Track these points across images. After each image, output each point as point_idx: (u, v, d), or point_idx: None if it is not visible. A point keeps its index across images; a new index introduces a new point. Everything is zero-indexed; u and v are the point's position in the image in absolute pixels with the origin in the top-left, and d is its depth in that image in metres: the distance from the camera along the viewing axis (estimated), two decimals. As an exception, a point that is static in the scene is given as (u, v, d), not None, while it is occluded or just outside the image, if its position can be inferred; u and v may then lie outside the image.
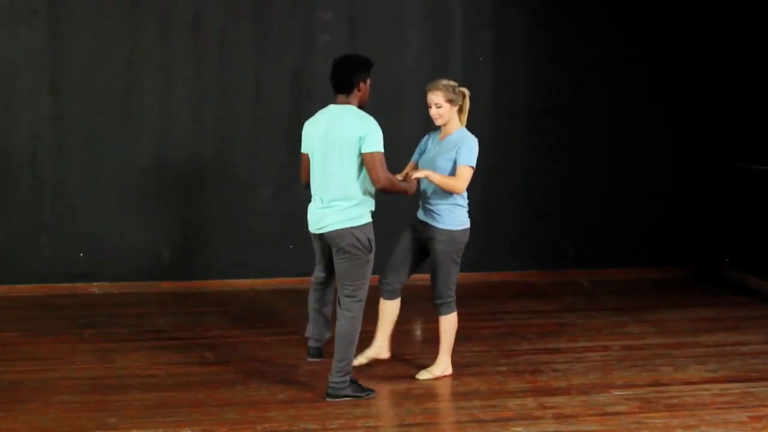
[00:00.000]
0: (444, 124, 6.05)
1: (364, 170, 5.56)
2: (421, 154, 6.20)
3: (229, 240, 8.81)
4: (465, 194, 6.06)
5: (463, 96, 6.06)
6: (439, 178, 5.90)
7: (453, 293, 6.08)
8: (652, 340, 7.12)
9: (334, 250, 5.67)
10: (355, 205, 5.58)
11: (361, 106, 5.68)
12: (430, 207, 6.03)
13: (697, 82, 9.48)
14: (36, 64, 8.40)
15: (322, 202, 5.64)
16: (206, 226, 8.79)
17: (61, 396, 5.71)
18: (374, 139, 5.51)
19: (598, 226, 9.44)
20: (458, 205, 6.03)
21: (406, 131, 8.98)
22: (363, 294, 5.68)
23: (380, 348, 6.31)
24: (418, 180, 5.92)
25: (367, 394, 5.74)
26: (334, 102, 5.69)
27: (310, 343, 6.27)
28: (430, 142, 6.18)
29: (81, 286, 8.54)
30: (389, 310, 6.24)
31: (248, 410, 5.50)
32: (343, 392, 5.67)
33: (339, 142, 5.54)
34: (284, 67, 8.79)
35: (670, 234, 9.57)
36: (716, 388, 6.00)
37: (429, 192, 6.03)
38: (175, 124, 8.68)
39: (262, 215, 8.86)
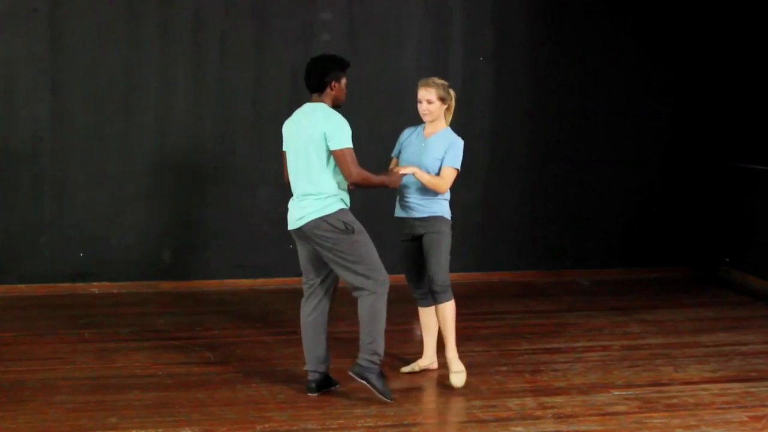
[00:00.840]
0: (432, 121, 6.06)
1: (332, 166, 5.61)
2: (401, 149, 6.16)
3: (229, 240, 8.81)
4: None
5: (451, 96, 6.08)
6: (427, 178, 5.91)
7: (449, 279, 6.01)
8: (652, 340, 7.12)
9: (318, 248, 5.66)
10: (326, 197, 5.61)
11: (335, 105, 5.72)
12: (417, 201, 6.00)
13: (697, 82, 9.49)
14: (36, 64, 8.40)
15: (297, 198, 5.71)
16: (206, 226, 8.79)
17: (61, 396, 5.71)
18: (340, 136, 5.55)
19: (598, 226, 9.44)
20: (444, 198, 6.05)
21: (406, 131, 8.98)
22: (374, 273, 5.60)
23: (429, 358, 6.31)
24: (399, 175, 5.88)
25: (386, 396, 5.61)
26: (309, 101, 5.75)
27: (309, 376, 5.80)
28: (414, 136, 6.14)
29: (81, 286, 8.54)
30: (424, 319, 6.24)
31: (248, 410, 5.50)
32: (369, 376, 5.60)
33: (307, 139, 5.61)
34: (284, 67, 8.79)
35: (670, 234, 9.57)
36: (716, 388, 6.00)
37: (414, 188, 6.00)
38: (175, 124, 8.69)
39: (262, 215, 8.86)
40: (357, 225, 5.65)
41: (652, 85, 9.44)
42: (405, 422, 5.38)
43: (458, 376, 5.98)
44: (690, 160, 9.55)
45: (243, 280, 8.84)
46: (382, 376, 5.68)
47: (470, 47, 9.12)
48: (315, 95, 5.71)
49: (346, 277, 5.66)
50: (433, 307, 6.15)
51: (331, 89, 5.68)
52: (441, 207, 6.03)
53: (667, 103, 9.50)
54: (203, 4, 8.65)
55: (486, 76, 9.16)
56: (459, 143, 6.03)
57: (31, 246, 8.50)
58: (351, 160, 5.56)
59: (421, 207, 6.01)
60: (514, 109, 9.25)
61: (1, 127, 8.40)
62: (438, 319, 6.07)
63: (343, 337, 6.61)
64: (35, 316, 7.72)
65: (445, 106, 6.06)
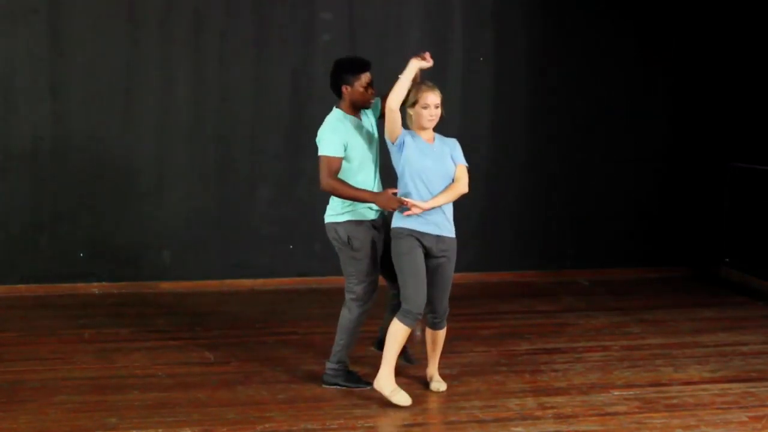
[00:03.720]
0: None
1: (346, 174, 5.69)
2: (403, 152, 5.61)
3: (229, 240, 8.81)
4: None
5: None
6: (443, 199, 5.59)
7: None
8: (652, 340, 7.12)
9: None
10: (341, 205, 5.74)
11: (357, 108, 5.79)
12: (442, 219, 5.64)
13: (697, 81, 9.48)
14: (36, 64, 8.40)
15: None
16: (206, 226, 8.78)
17: (61, 396, 5.71)
18: (322, 142, 5.69)
19: (598, 226, 9.44)
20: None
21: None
22: (358, 290, 5.76)
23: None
24: (400, 201, 5.52)
25: (360, 387, 5.84)
26: None
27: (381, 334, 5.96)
28: (416, 142, 5.64)
29: (81, 286, 8.54)
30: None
31: (248, 410, 5.51)
32: (334, 380, 5.85)
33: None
34: (284, 67, 8.78)
35: (670, 234, 9.57)
36: (716, 388, 6.00)
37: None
38: (174, 125, 8.68)
39: (262, 215, 8.86)
40: (357, 242, 5.68)
41: (652, 85, 9.44)
42: (405, 422, 5.38)
43: (441, 385, 5.93)
44: (690, 160, 9.55)
45: (243, 280, 8.84)
46: (348, 372, 5.91)
47: (470, 47, 9.12)
48: (339, 100, 5.84)
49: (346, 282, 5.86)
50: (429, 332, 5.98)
51: (345, 93, 5.75)
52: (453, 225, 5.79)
53: (667, 103, 9.50)
54: (203, 4, 8.65)
55: (486, 76, 9.16)
56: (457, 142, 5.82)
57: (31, 246, 8.49)
58: (324, 168, 5.63)
59: (447, 224, 5.68)
60: (514, 109, 9.24)
61: (1, 127, 8.40)
62: (436, 340, 5.92)
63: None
64: (35, 316, 7.72)
65: None
